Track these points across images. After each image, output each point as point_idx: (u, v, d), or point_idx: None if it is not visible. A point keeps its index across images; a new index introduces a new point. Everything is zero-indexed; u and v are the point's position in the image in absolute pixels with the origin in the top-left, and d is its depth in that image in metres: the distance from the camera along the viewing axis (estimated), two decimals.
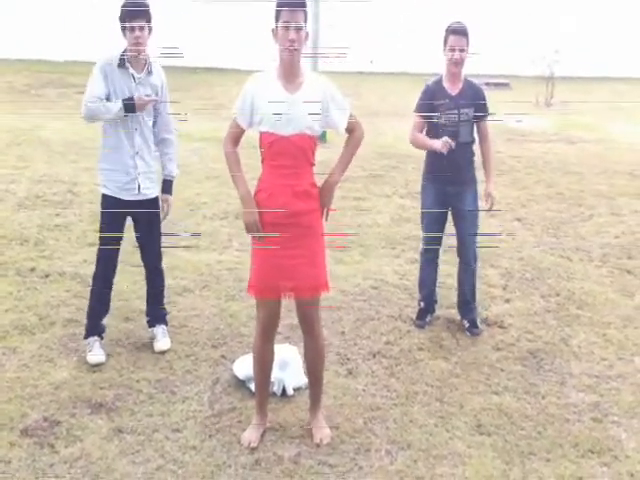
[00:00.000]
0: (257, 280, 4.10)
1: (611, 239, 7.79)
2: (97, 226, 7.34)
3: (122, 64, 4.86)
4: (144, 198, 5.03)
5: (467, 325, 5.62)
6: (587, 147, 12.59)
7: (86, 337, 5.09)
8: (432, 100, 5.36)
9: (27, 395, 4.56)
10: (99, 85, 4.82)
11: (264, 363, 4.27)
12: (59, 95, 15.77)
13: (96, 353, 4.99)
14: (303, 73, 4.03)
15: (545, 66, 16.84)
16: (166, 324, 5.34)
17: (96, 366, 4.92)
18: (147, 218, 5.10)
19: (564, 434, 4.38)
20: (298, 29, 3.87)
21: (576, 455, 4.21)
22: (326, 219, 4.16)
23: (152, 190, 5.08)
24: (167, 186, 5.17)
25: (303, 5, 3.91)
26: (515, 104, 16.54)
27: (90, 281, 6.13)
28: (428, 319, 5.69)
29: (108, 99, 4.84)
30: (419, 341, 5.44)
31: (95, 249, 6.80)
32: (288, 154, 3.96)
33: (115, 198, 5.00)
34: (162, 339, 5.21)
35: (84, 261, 6.56)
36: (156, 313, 5.33)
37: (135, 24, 4.77)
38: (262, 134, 4.02)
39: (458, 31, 5.27)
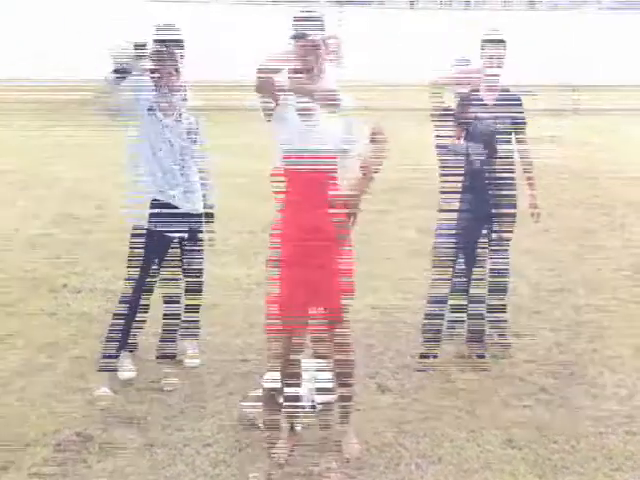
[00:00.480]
0: (282, 293, 4.06)
1: None
2: (127, 242, 7.47)
3: (151, 109, 4.85)
4: (188, 211, 5.02)
5: (496, 337, 5.58)
6: (616, 155, 12.48)
7: (117, 350, 5.11)
8: (467, 109, 5.26)
9: (60, 411, 4.60)
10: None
11: (291, 377, 4.27)
12: (88, 113, 15.92)
13: (126, 369, 5.04)
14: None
15: (570, 74, 16.78)
16: (197, 338, 5.36)
17: (127, 381, 4.96)
18: (190, 233, 5.12)
19: (597, 447, 4.33)
20: (313, 49, 3.89)
21: (610, 468, 4.16)
22: (353, 224, 4.10)
23: (192, 205, 5.04)
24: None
25: (321, 29, 3.92)
26: (541, 112, 16.49)
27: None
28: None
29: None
30: (448, 354, 5.41)
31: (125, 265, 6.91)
32: (306, 171, 3.94)
33: (160, 202, 4.95)
34: (192, 355, 5.24)
35: (114, 277, 6.61)
36: (190, 326, 5.34)
37: (162, 71, 4.79)
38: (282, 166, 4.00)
39: (495, 40, 5.25)
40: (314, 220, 3.98)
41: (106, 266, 6.92)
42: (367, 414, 4.64)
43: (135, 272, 5.00)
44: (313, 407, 4.65)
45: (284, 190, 4.02)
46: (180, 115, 4.97)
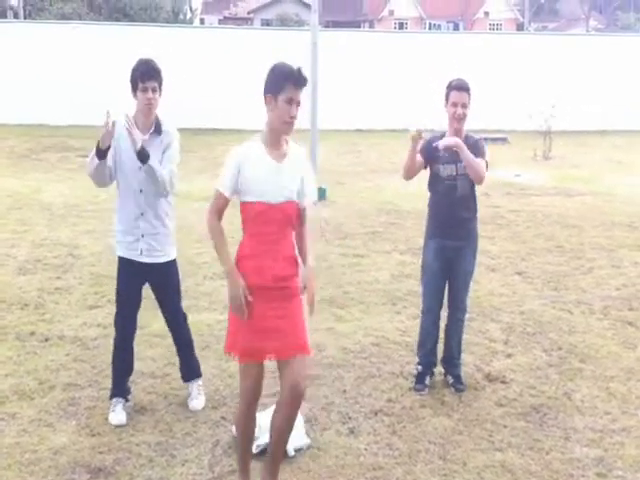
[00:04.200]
0: (243, 344, 4.05)
1: (612, 291, 7.78)
2: (97, 289, 7.44)
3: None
4: (153, 261, 5.04)
5: (451, 381, 5.57)
6: (586, 200, 12.66)
7: (111, 398, 5.13)
8: (433, 151, 5.31)
9: (26, 461, 4.51)
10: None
11: (248, 432, 4.24)
12: (60, 159, 15.95)
13: (118, 413, 5.01)
14: (286, 142, 4.11)
15: (542, 120, 17.05)
16: (200, 376, 5.35)
17: (118, 427, 4.92)
18: (160, 281, 5.15)
19: None
20: (298, 105, 3.98)
21: None
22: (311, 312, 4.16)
23: (159, 253, 5.05)
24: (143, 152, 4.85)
25: (306, 84, 4.01)
26: (513, 158, 16.73)
27: (90, 344, 6.17)
28: (427, 382, 5.55)
29: (118, 162, 4.92)
30: (421, 398, 5.39)
31: (95, 312, 6.88)
32: (276, 221, 4.01)
33: (128, 259, 5.03)
34: (197, 397, 5.22)
35: (84, 324, 6.56)
36: (189, 365, 5.35)
37: (148, 85, 4.85)
38: (248, 204, 4.03)
39: (460, 87, 5.30)
40: (277, 270, 4.01)
41: (75, 313, 6.85)
42: (339, 459, 4.59)
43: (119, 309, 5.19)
44: (286, 454, 4.60)
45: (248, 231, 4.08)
46: (159, 130, 4.97)
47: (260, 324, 4.01)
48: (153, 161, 4.84)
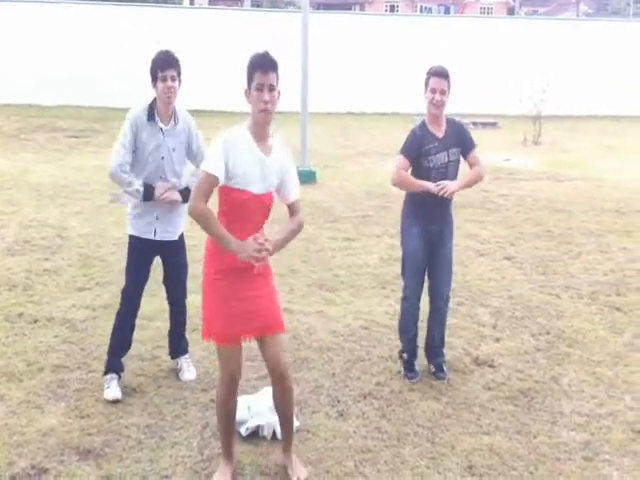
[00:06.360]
0: (221, 327, 4.08)
1: (600, 276, 7.82)
2: (86, 271, 7.43)
3: (151, 117, 4.97)
4: (165, 239, 5.19)
5: (433, 370, 5.56)
6: (575, 185, 12.71)
7: (105, 373, 5.16)
8: (421, 145, 5.31)
9: (14, 443, 4.50)
10: (128, 150, 4.94)
11: (229, 412, 4.25)
12: (49, 139, 15.86)
13: (113, 389, 5.04)
14: (272, 135, 4.12)
15: (532, 105, 17.06)
16: (188, 352, 5.50)
17: (114, 402, 4.96)
18: (171, 256, 5.31)
19: (555, 473, 4.35)
20: (271, 90, 3.94)
21: None
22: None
23: (172, 234, 5.22)
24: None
25: (275, 67, 3.96)
26: (503, 143, 16.75)
27: (79, 325, 6.16)
28: (417, 367, 5.55)
29: (135, 153, 4.97)
30: (410, 382, 5.41)
31: (84, 294, 6.87)
32: (256, 211, 4.06)
33: (139, 238, 5.14)
34: (188, 369, 5.38)
35: (73, 306, 6.54)
36: (180, 343, 5.49)
37: (167, 74, 4.90)
38: (235, 191, 4.00)
39: (439, 73, 5.27)
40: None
41: (64, 295, 6.84)
42: (328, 442, 4.61)
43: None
44: (274, 436, 4.62)
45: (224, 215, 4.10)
46: (177, 119, 5.07)
47: (236, 307, 4.05)
48: (189, 181, 5.07)
